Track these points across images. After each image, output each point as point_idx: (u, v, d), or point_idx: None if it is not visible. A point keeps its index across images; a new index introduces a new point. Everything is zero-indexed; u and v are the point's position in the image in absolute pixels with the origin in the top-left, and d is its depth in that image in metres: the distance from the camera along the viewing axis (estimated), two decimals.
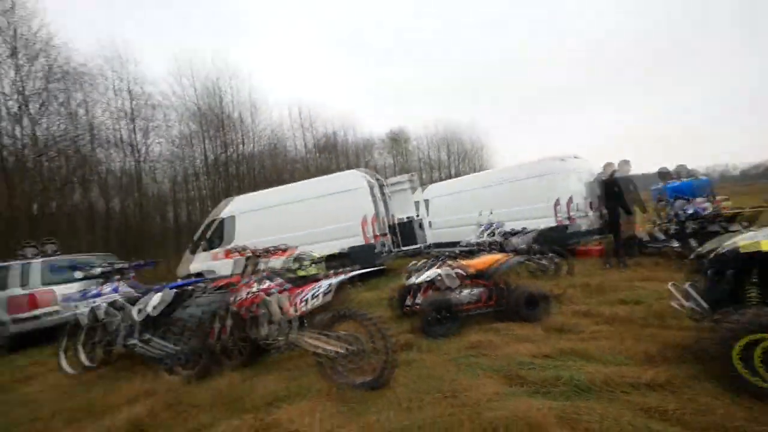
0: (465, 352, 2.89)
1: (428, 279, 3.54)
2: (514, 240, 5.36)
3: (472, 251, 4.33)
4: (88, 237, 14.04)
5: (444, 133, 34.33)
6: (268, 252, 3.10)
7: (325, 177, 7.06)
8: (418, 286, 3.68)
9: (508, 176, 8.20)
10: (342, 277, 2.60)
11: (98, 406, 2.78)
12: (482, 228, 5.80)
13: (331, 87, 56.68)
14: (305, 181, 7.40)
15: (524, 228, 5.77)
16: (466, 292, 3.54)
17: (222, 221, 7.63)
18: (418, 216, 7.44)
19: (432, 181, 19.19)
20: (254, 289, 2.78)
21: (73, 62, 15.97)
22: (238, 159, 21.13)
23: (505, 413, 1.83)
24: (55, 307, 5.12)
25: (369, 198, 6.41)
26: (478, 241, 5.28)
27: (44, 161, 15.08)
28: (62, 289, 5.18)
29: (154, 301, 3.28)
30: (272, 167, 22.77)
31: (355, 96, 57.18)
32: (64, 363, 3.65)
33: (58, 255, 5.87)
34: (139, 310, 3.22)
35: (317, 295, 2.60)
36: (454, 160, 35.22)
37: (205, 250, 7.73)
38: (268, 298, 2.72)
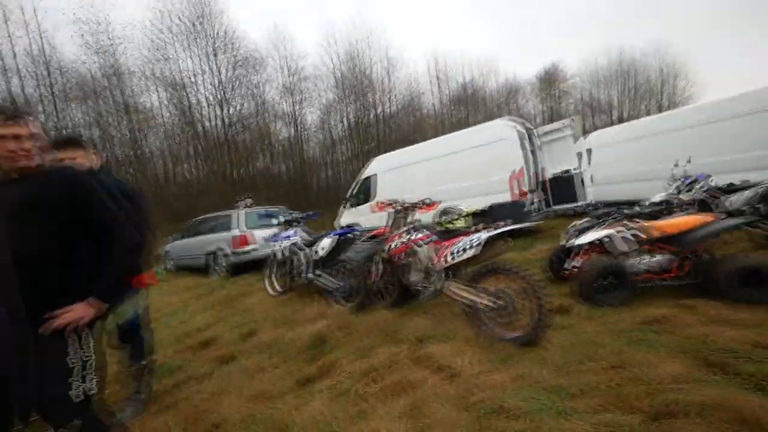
0: (639, 326, 2.55)
1: (594, 241, 3.17)
2: (732, 198, 4.10)
3: (657, 211, 3.58)
4: (268, 194, 18.14)
5: (614, 66, 27.69)
6: (414, 206, 3.38)
7: (468, 129, 6.74)
8: (579, 248, 3.35)
9: (718, 113, 6.14)
10: (492, 232, 2.62)
11: (292, 319, 3.80)
12: (679, 182, 4.64)
13: (470, 31, 52.46)
14: (447, 135, 7.27)
15: (745, 181, 4.32)
16: (645, 258, 3.02)
17: (366, 180, 8.61)
18: (577, 169, 6.43)
19: (595, 128, 16.09)
20: (404, 239, 3.12)
21: (247, 49, 19.91)
22: (377, 120, 22.72)
23: (702, 398, 1.59)
24: (254, 246, 7.04)
25: (519, 150, 5.88)
26: (669, 198, 4.28)
27: (235, 136, 19.91)
28: (258, 233, 7.04)
29: (323, 244, 4.12)
30: (408, 126, 23.60)
31: (497, 37, 51.42)
32: (267, 286, 5.06)
33: (254, 207, 7.93)
34: (316, 251, 4.11)
35: (464, 249, 2.72)
36: (627, 99, 28.28)
37: (353, 205, 8.97)
38: (417, 248, 3.03)
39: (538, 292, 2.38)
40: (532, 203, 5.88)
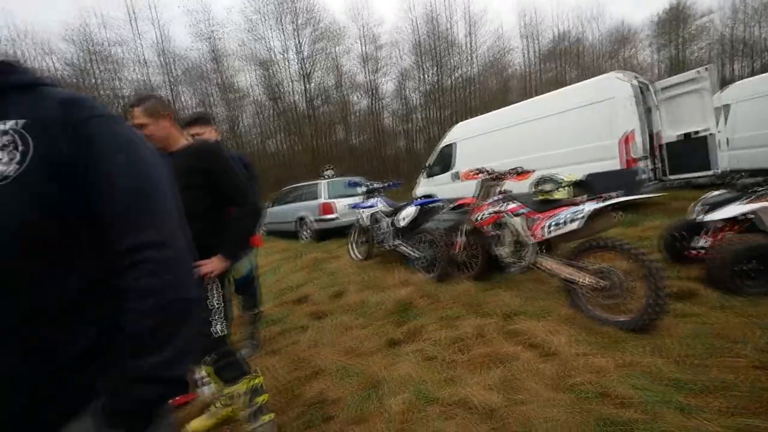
0: None
1: (737, 216, 2.61)
2: None
3: None
4: (345, 164, 18.89)
5: None
6: (504, 175, 3.18)
7: (568, 88, 5.83)
8: (712, 225, 2.81)
9: None
10: (599, 204, 2.34)
11: (374, 284, 3.99)
12: None
13: None
14: (541, 96, 6.39)
15: None
16: None
17: (445, 148, 8.32)
18: (711, 130, 5.23)
19: (734, 79, 12.91)
20: (494, 210, 2.98)
21: (327, 22, 20.26)
22: (455, 85, 21.57)
23: None
24: (336, 215, 7.46)
25: (632, 109, 4.92)
26: None
27: (316, 109, 20.86)
28: (340, 201, 7.42)
29: (405, 214, 4.16)
30: (491, 89, 21.97)
31: None
32: (350, 252, 5.37)
33: (336, 177, 8.35)
34: (398, 221, 4.18)
35: (564, 222, 2.49)
36: None
37: (429, 175, 8.82)
38: (508, 219, 2.87)
39: (656, 273, 2.08)
40: (644, 172, 5.04)
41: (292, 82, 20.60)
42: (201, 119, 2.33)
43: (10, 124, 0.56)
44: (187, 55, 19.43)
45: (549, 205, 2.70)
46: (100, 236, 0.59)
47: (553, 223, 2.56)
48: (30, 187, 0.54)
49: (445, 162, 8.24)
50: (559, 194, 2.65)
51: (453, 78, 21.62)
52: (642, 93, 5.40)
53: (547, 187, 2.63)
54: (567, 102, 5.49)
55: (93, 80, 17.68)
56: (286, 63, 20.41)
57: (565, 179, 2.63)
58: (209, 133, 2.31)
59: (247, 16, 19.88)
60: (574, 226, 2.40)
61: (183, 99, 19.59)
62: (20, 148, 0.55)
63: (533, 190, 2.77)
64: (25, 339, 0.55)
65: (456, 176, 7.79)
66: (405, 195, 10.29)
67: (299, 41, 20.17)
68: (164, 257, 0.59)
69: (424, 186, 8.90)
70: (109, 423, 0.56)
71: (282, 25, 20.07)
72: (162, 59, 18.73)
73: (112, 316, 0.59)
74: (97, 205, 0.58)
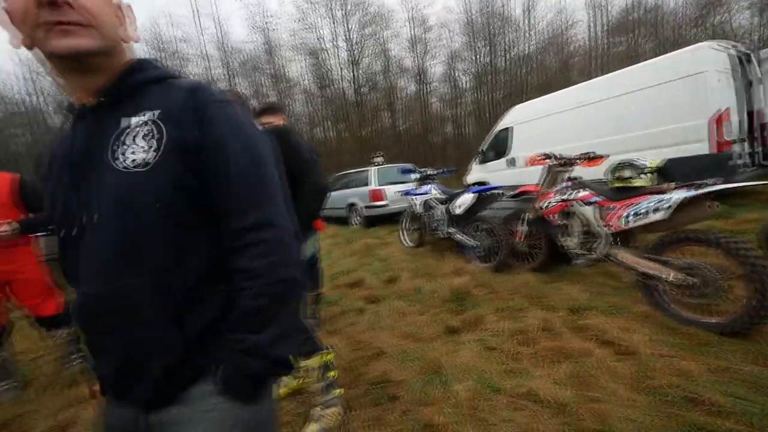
0: None
1: None
2: None
3: None
4: (393, 150, 18.87)
5: None
6: (574, 160, 2.98)
7: (647, 63, 5.14)
8: None
9: None
10: (692, 192, 2.11)
11: (427, 272, 3.99)
12: None
13: None
14: (612, 74, 5.72)
15: None
16: None
17: (500, 133, 7.94)
18: None
19: None
20: (563, 197, 2.82)
21: (376, 6, 20.06)
22: (509, 65, 20.40)
23: None
24: (386, 201, 7.53)
25: (728, 83, 4.29)
26: None
27: (364, 96, 20.96)
28: (390, 188, 7.47)
29: (461, 201, 4.08)
30: (549, 68, 20.48)
31: None
32: (402, 239, 5.41)
33: (385, 164, 8.39)
34: (453, 208, 4.11)
35: (646, 212, 2.29)
36: None
37: (481, 162, 8.51)
38: (579, 207, 2.70)
39: (763, 272, 1.85)
40: (740, 156, 4.42)
41: (340, 69, 20.83)
42: (271, 108, 2.45)
43: (148, 115, 0.62)
44: (242, 47, 20.47)
45: (627, 193, 2.49)
46: (219, 216, 0.63)
47: (633, 213, 2.36)
48: (166, 170, 0.59)
49: (500, 147, 7.88)
50: (640, 182, 2.42)
51: (507, 57, 20.44)
52: (742, 64, 4.70)
53: (627, 173, 2.40)
54: (647, 78, 4.86)
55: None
56: (336, 50, 20.67)
57: (648, 164, 2.38)
58: (278, 121, 2.43)
59: (299, 5, 20.33)
60: (659, 216, 2.20)
61: (239, 90, 20.71)
62: (156, 136, 0.60)
63: (610, 176, 2.55)
64: (173, 307, 0.61)
65: (512, 162, 7.45)
66: (454, 182, 10.07)
67: (348, 27, 20.26)
68: (274, 237, 0.62)
69: (476, 172, 8.62)
70: (222, 390, 0.61)
71: (332, 12, 20.26)
72: (221, 52, 19.94)
73: (231, 291, 0.63)
74: (214, 185, 0.62)
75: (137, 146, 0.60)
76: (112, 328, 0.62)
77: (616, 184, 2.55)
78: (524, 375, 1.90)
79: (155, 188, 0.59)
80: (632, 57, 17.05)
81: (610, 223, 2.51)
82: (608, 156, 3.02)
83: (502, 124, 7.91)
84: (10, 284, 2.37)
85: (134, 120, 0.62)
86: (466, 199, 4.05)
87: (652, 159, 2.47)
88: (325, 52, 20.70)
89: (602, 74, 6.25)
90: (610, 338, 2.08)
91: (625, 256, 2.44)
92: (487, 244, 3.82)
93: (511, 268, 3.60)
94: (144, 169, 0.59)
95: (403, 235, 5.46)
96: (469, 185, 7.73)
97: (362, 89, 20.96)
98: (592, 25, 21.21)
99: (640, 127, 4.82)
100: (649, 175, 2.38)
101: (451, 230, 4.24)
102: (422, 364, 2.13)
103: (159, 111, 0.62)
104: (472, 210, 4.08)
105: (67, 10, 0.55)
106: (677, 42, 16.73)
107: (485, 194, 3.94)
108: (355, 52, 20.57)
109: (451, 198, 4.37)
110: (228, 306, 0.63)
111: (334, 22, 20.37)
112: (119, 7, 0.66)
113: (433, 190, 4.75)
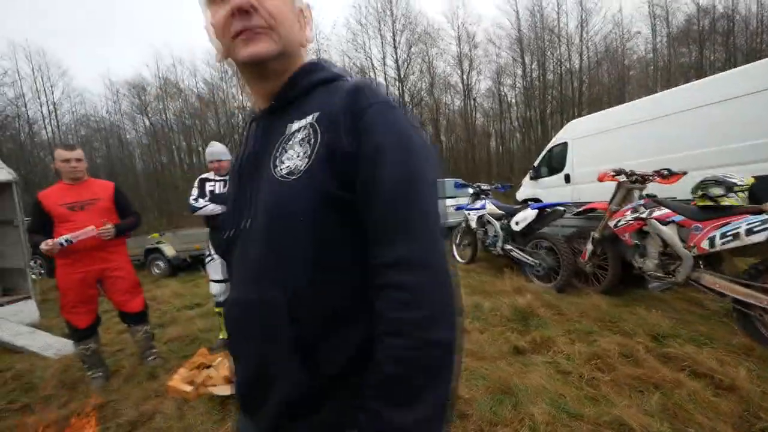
0: None
1: None
2: None
3: None
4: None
5: None
6: (649, 177, 2.82)
7: (733, 71, 4.64)
8: None
9: None
10: None
11: (483, 289, 3.91)
12: None
13: None
14: (686, 85, 5.28)
15: None
16: None
17: (554, 148, 7.66)
18: None
19: None
20: (639, 216, 2.67)
21: (424, 25, 20.55)
22: (561, 79, 19.77)
23: None
24: None
25: None
26: None
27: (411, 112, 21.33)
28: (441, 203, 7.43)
29: (520, 217, 3.98)
30: (604, 82, 19.57)
31: None
32: (453, 255, 5.37)
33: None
34: (517, 223, 4.01)
35: (737, 233, 2.11)
36: None
37: (533, 177, 8.23)
38: (656, 226, 2.54)
39: None
40: None
41: (387, 87, 21.42)
42: None
43: (309, 118, 0.57)
44: None
45: (714, 212, 2.30)
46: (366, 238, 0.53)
47: (723, 234, 2.18)
48: (315, 179, 0.52)
49: (554, 163, 7.59)
50: (731, 200, 2.24)
51: (558, 72, 19.83)
52: None
53: (716, 191, 2.22)
54: (730, 89, 4.44)
55: (221, 94, 21.31)
56: (383, 68, 21.36)
57: (739, 182, 2.19)
58: None
59: (350, 27, 21.41)
60: (759, 238, 2.01)
61: None
62: (311, 141, 0.55)
63: (696, 194, 2.38)
64: (303, 333, 0.53)
65: (567, 178, 7.14)
66: (502, 199, 9.80)
67: (396, 46, 20.91)
68: (422, 283, 0.47)
69: (528, 188, 8.35)
70: None
71: (381, 32, 21.06)
72: None
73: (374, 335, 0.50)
74: (363, 203, 0.52)
75: (294, 152, 0.56)
76: (248, 338, 0.59)
77: (702, 203, 2.38)
78: (605, 402, 1.80)
79: (301, 198, 0.53)
80: (697, 69, 15.83)
81: (697, 245, 2.33)
82: (686, 173, 2.83)
83: (557, 140, 7.64)
84: (103, 281, 2.59)
85: (296, 125, 0.58)
86: (526, 215, 3.94)
87: (743, 177, 2.28)
88: (374, 71, 21.47)
89: (665, 87, 5.81)
90: (704, 370, 1.91)
91: (714, 281, 2.25)
92: (548, 262, 3.68)
93: (576, 289, 3.43)
94: (293, 178, 0.54)
95: (454, 250, 5.41)
96: (519, 202, 7.50)
97: (409, 105, 21.35)
98: (651, 36, 20.05)
99: (718, 141, 4.38)
100: (739, 193, 2.20)
101: (508, 247, 4.14)
102: (489, 384, 2.08)
103: (318, 113, 0.56)
104: (531, 227, 3.96)
105: (253, 15, 0.54)
106: (751, 53, 15.28)
107: (547, 210, 3.81)
108: (402, 70, 21.12)
109: (509, 214, 4.28)
110: (368, 346, 0.50)
111: (383, 42, 21.14)
112: (302, 10, 0.63)
113: (489, 205, 4.69)
